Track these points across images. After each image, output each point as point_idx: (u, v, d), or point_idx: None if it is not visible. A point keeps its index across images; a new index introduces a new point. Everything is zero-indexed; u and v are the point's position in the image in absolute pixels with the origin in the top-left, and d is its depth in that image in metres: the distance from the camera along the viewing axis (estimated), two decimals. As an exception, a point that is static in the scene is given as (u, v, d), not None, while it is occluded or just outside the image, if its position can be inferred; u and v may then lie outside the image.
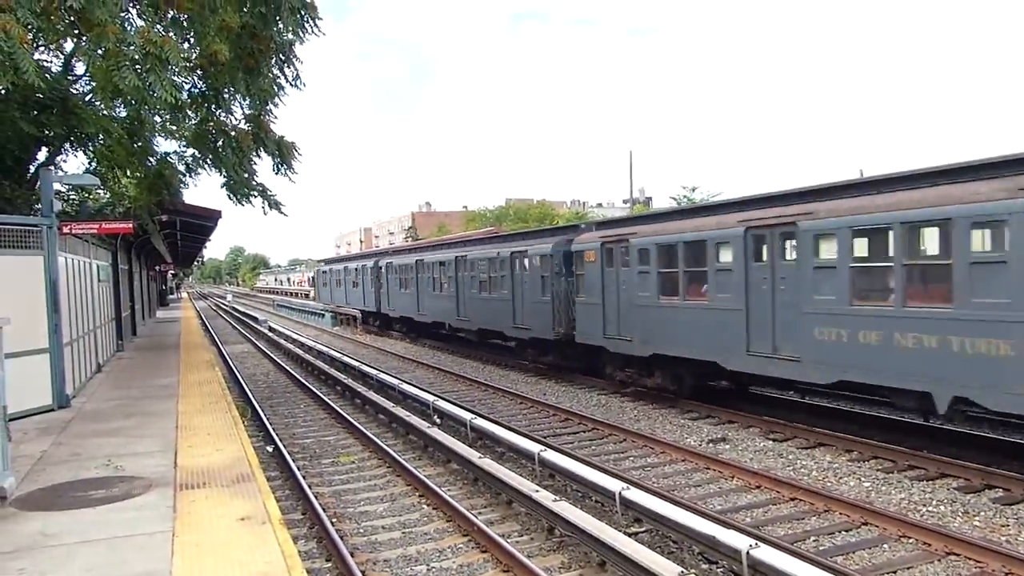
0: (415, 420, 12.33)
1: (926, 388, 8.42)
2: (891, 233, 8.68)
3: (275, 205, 16.53)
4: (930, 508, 8.31)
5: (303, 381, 18.62)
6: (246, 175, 15.58)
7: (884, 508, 8.19)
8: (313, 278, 60.31)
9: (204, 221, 24.55)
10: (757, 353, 10.75)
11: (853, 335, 9.18)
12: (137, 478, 7.89)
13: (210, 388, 13.74)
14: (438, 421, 13.09)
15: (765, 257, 10.65)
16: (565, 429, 12.98)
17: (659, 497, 8.06)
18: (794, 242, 10.09)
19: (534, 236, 19.02)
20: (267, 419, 13.85)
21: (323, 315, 41.14)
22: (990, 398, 7.73)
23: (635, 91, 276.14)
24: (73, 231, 14.08)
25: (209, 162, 15.92)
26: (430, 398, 14.06)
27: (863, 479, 9.36)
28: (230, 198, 16.48)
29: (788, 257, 10.29)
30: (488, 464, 9.38)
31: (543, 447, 9.96)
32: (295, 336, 31.14)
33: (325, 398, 15.94)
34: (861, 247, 9.48)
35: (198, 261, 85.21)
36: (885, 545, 7.40)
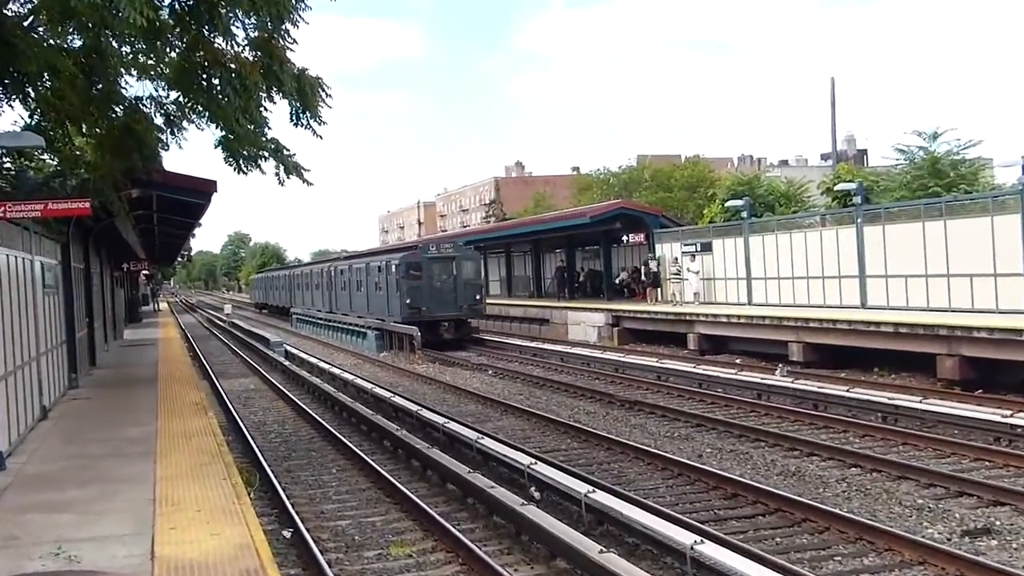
0: (501, 493, 12.32)
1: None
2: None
3: (295, 169, 16.91)
4: None
5: (335, 433, 19.02)
6: (252, 127, 15.98)
7: None
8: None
9: (192, 197, 25.34)
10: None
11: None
12: (99, 574, 8.16)
13: (201, 442, 14.16)
14: (536, 495, 13.05)
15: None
16: (732, 510, 12.71)
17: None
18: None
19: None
20: (283, 489, 14.19)
21: (364, 334, 41.99)
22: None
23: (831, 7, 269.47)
24: (7, 214, 14.41)
25: (199, 110, 16.42)
26: (525, 460, 14.04)
27: None
28: (229, 162, 16.98)
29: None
30: (614, 563, 9.23)
31: (697, 538, 9.74)
32: (322, 364, 31.91)
33: (367, 458, 16.21)
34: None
35: (183, 256, 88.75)
36: None
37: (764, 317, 28.79)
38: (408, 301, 38.63)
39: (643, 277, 40.30)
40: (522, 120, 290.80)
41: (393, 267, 40.69)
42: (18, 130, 16.52)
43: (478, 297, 40.06)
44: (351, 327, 45.15)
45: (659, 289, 38.35)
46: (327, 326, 50.67)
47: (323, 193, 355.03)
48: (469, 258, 40.78)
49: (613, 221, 41.58)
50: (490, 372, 30.49)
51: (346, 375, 28.43)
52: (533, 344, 36.40)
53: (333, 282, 53.81)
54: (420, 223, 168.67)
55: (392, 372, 32.46)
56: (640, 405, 21.59)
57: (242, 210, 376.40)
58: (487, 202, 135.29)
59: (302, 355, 36.50)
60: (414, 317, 38.27)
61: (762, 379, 22.69)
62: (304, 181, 17.28)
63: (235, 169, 17.02)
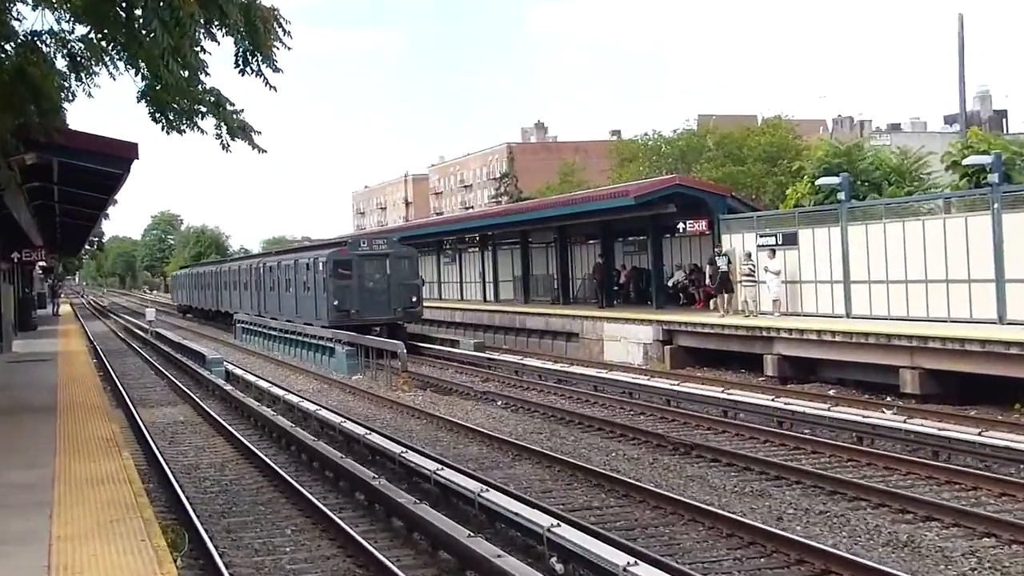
0: (512, 565, 12.28)
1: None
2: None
3: (241, 130, 16.94)
4: None
5: (290, 481, 19.03)
6: (186, 73, 16.01)
7: None
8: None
9: (106, 165, 25.32)
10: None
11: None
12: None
13: (113, 491, 14.16)
14: (559, 568, 13.04)
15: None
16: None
17: None
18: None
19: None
20: (220, 555, 14.17)
21: (332, 350, 42.19)
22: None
23: None
24: None
25: (118, 50, 16.44)
26: (544, 521, 13.99)
27: None
28: (156, 118, 17.03)
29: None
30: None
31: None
32: (275, 390, 31.93)
33: (333, 515, 16.19)
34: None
35: (92, 244, 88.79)
36: None
37: (867, 334, 28.70)
38: (336, 303, 44.12)
39: (707, 279, 40.20)
40: (544, 68, 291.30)
41: (320, 265, 45.77)
42: None
43: (414, 299, 45.39)
44: (313, 341, 45.35)
45: (727, 295, 38.23)
46: (283, 339, 50.92)
47: (281, 164, 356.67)
48: (404, 256, 46.27)
49: (666, 203, 41.32)
50: (499, 403, 30.52)
51: (306, 404, 28.42)
52: (557, 366, 36.38)
53: (262, 281, 59.17)
54: (408, 203, 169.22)
55: (369, 401, 32.52)
56: (699, 450, 21.52)
57: (175, 188, 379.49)
58: (497, 175, 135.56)
59: (248, 377, 36.56)
60: (342, 321, 43.38)
61: (864, 417, 22.59)
62: (254, 146, 17.31)
63: (163, 128, 17.07)
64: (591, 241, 52.73)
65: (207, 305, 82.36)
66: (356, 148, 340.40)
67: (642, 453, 21.92)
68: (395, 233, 65.01)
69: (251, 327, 58.91)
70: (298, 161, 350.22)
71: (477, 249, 63.71)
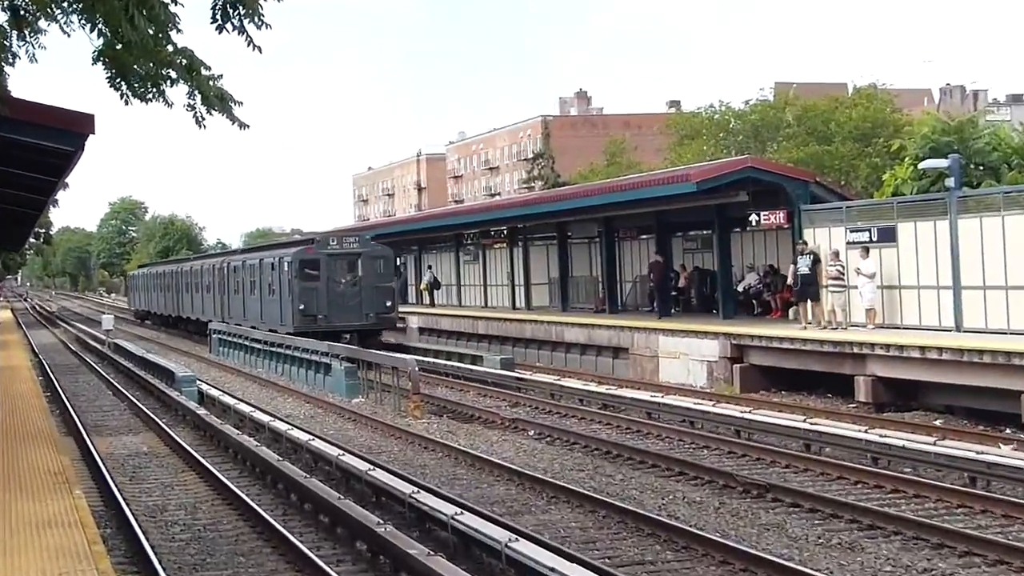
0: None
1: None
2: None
3: (220, 101, 16.93)
4: None
5: (277, 527, 19.04)
6: (153, 29, 16.05)
7: None
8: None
9: (54, 140, 25.31)
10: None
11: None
12: None
13: (62, 537, 14.17)
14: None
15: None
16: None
17: None
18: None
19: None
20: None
21: (328, 366, 42.22)
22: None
23: None
24: None
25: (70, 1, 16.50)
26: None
27: None
28: (115, 84, 17.02)
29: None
30: None
31: None
32: (258, 415, 31.97)
33: (329, 569, 16.21)
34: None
35: (38, 237, 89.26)
36: None
37: (982, 351, 28.60)
38: (301, 307, 47.44)
39: (790, 280, 39.94)
40: (588, 25, 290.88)
41: (285, 265, 48.83)
42: None
43: (389, 303, 48.76)
44: (305, 355, 45.41)
45: (810, 303, 38.01)
46: (267, 353, 50.98)
47: (269, 143, 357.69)
48: (378, 255, 49.38)
49: (735, 190, 41.17)
50: (531, 433, 30.49)
51: (296, 433, 28.44)
52: (601, 389, 36.33)
53: (226, 282, 62.96)
54: (421, 188, 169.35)
55: (372, 429, 32.53)
56: (776, 492, 21.43)
57: (139, 171, 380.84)
58: (530, 155, 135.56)
59: (226, 399, 36.65)
60: (308, 327, 46.50)
61: (978, 453, 22.45)
62: (234, 121, 17.26)
63: (123, 97, 17.06)
64: (643, 236, 52.67)
65: (167, 310, 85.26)
66: (359, 123, 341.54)
67: (706, 496, 21.84)
68: (403, 224, 66.01)
69: (229, 338, 59.04)
70: (290, 140, 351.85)
71: (505, 245, 63.62)
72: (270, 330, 50.04)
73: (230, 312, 61.37)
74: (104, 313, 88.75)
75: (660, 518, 19.40)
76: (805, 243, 38.38)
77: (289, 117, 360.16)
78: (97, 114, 20.58)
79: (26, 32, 17.99)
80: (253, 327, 53.39)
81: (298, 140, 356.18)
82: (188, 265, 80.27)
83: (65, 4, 16.56)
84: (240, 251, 72.86)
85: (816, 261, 37.60)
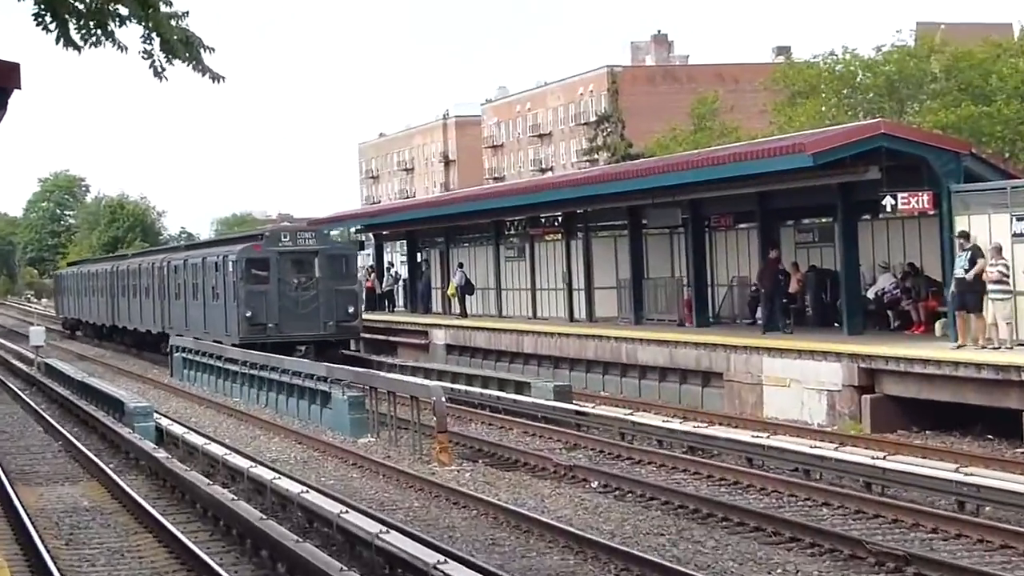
0: None
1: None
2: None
3: (184, 46, 16.77)
4: None
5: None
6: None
7: None
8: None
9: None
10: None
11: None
12: None
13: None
14: None
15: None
16: None
17: None
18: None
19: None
20: None
21: (327, 395, 42.14)
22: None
23: None
24: None
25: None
26: None
27: None
28: (48, 25, 16.90)
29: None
30: None
31: None
32: (233, 459, 31.94)
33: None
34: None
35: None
36: None
37: None
38: (248, 314, 49.75)
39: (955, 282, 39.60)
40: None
41: (230, 264, 51.10)
42: None
43: (351, 310, 51.34)
44: (297, 381, 45.44)
45: (967, 313, 37.59)
46: (247, 378, 51.00)
47: (252, 106, 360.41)
48: (339, 253, 52.19)
49: (864, 164, 41.13)
50: (594, 485, 30.54)
51: (285, 483, 28.36)
52: (687, 427, 36.23)
53: (166, 284, 65.65)
54: (448, 160, 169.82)
55: (385, 478, 32.66)
56: (920, 564, 21.17)
57: (80, 142, 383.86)
58: (592, 118, 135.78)
59: (192, 437, 36.76)
60: (256, 338, 49.01)
61: None
62: (205, 71, 17.12)
63: (60, 39, 16.95)
64: (742, 226, 52.69)
65: (100, 318, 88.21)
66: (368, 79, 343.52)
67: (826, 570, 21.78)
68: (424, 209, 67.30)
69: (197, 358, 59.05)
70: (280, 101, 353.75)
71: (559, 237, 63.77)
72: (214, 340, 52.04)
73: (171, 321, 63.64)
74: (32, 324, 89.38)
75: (767, 601, 19.29)
76: (965, 236, 37.80)
77: (279, 73, 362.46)
78: (24, 64, 20.56)
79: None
80: (196, 338, 55.44)
81: (290, 102, 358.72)
82: (125, 264, 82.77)
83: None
84: (184, 247, 74.87)
85: (975, 259, 37.06)
